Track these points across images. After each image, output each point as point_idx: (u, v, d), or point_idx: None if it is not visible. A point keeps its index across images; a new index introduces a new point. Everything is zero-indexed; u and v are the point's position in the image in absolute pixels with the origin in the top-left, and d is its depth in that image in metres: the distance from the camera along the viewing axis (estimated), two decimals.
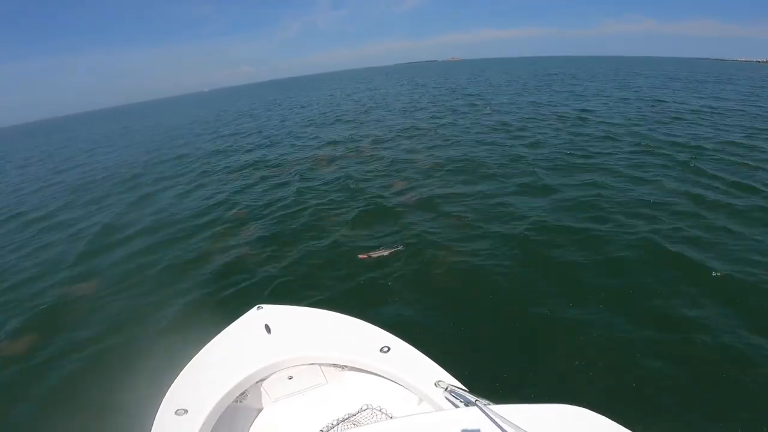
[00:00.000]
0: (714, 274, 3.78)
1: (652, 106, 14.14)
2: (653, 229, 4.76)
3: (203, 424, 1.66)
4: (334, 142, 11.61)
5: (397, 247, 4.55)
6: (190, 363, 2.01)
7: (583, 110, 13.62)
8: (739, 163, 7.18)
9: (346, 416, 2.07)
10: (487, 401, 1.37)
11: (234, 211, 6.93)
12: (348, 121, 15.88)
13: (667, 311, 3.40)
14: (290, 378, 2.14)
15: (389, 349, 1.92)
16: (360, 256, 4.51)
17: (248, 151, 12.24)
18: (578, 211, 5.46)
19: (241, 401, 2.03)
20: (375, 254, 4.48)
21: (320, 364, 2.14)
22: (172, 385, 1.87)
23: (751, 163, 7.11)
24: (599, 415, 1.18)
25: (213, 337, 2.18)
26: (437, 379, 1.71)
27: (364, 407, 2.11)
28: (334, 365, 2.14)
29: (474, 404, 1.35)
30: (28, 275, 5.59)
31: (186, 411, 1.71)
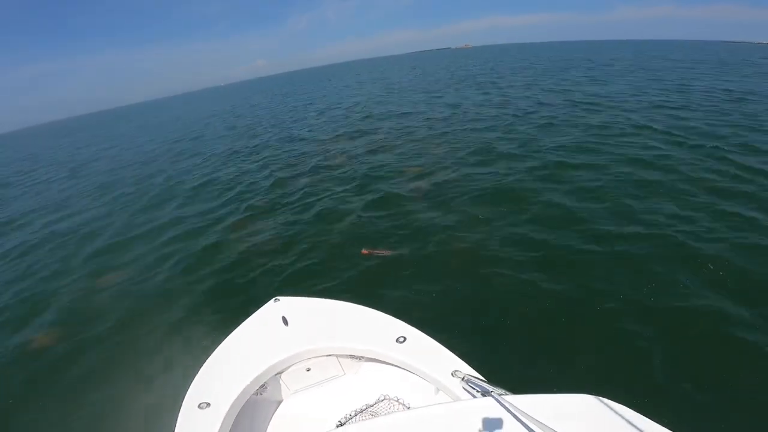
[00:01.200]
0: None
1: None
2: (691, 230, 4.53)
3: (225, 417, 1.71)
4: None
5: (398, 250, 4.48)
6: (211, 356, 2.06)
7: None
8: None
9: (364, 407, 2.09)
10: (504, 391, 1.37)
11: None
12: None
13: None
14: (308, 370, 2.16)
15: (405, 339, 1.92)
16: (363, 251, 4.56)
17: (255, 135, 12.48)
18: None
19: (261, 394, 2.07)
20: (378, 252, 4.50)
21: (337, 356, 2.15)
22: (195, 378, 1.92)
23: None
24: (621, 406, 1.15)
25: (232, 330, 2.21)
26: (454, 369, 1.70)
27: (382, 398, 2.13)
28: (351, 356, 2.16)
29: (491, 394, 1.34)
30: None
31: (209, 404, 1.75)
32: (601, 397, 1.19)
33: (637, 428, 1.08)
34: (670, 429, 1.05)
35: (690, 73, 19.27)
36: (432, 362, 1.78)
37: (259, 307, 2.36)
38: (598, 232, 4.49)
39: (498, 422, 1.18)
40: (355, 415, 2.06)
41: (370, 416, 2.04)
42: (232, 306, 4.02)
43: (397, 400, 2.10)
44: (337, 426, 2.01)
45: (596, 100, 12.39)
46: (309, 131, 13.14)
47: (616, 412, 1.14)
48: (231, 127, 18.37)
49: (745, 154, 6.62)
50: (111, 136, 28.63)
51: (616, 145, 7.60)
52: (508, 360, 2.88)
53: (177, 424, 1.68)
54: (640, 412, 1.12)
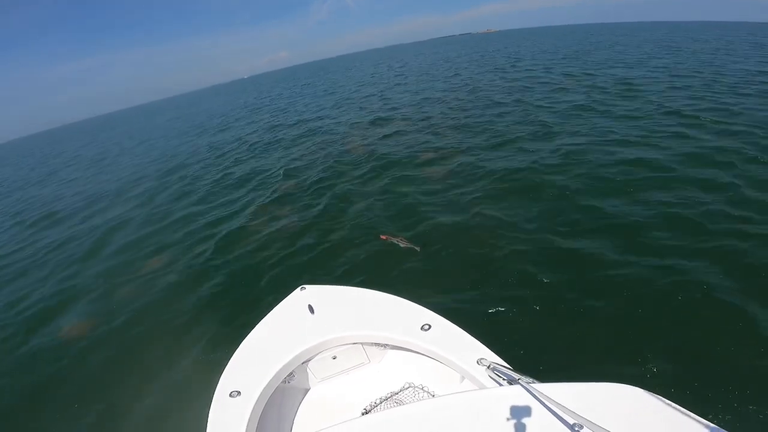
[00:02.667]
0: None
1: None
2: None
3: (255, 405, 1.76)
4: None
5: (412, 246, 4.41)
6: (241, 345, 2.12)
7: None
8: None
9: (389, 395, 2.11)
10: (531, 379, 1.34)
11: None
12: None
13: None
14: (334, 358, 2.19)
15: (430, 326, 1.91)
16: (381, 236, 4.61)
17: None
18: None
19: (288, 382, 2.12)
20: (394, 239, 4.51)
21: (363, 344, 2.17)
22: (226, 367, 1.98)
23: None
24: (652, 395, 1.12)
25: (261, 319, 2.27)
26: (479, 357, 1.69)
27: (407, 386, 2.14)
28: (376, 344, 2.17)
29: (517, 382, 1.33)
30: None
31: (239, 393, 1.81)
32: (630, 386, 1.16)
33: (668, 416, 1.06)
34: (701, 417, 1.02)
35: None
36: (457, 350, 1.77)
37: (285, 296, 2.41)
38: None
39: (526, 410, 1.17)
40: (381, 402, 2.09)
41: (396, 404, 2.06)
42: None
43: (422, 388, 2.10)
44: (363, 413, 2.04)
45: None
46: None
47: (649, 402, 1.11)
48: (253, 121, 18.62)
49: None
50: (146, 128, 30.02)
51: None
52: (535, 348, 2.86)
53: (210, 412, 1.75)
54: (671, 400, 1.08)
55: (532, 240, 4.26)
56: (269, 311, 2.32)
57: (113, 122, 63.13)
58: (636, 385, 1.15)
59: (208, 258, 5.34)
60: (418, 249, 4.32)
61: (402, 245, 4.41)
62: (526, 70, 18.45)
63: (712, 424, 1.00)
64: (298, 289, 2.44)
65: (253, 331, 2.21)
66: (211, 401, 1.81)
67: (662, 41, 27.73)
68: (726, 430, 0.97)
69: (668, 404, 1.09)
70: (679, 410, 1.06)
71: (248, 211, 6.64)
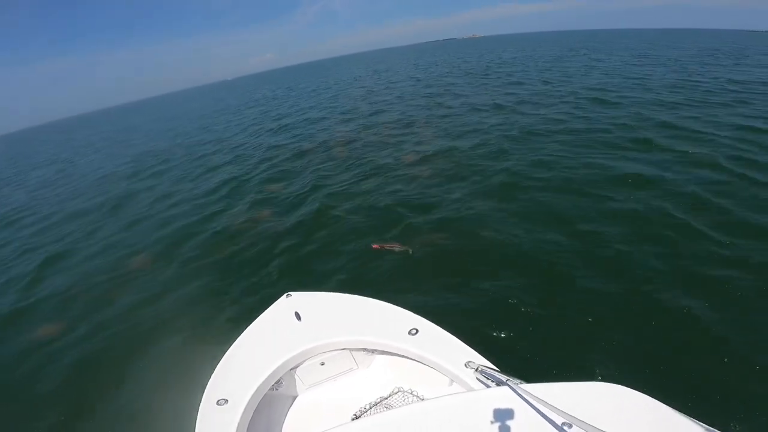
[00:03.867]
0: None
1: None
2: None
3: (243, 413, 1.74)
4: None
5: (406, 248, 4.41)
6: (227, 353, 2.08)
7: None
8: None
9: (379, 400, 2.11)
10: (519, 380, 1.36)
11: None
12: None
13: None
14: (322, 364, 2.18)
15: (418, 331, 1.92)
16: (373, 245, 4.51)
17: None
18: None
19: (276, 389, 2.10)
20: (388, 246, 4.46)
21: (350, 349, 2.17)
22: (212, 375, 1.95)
23: None
24: (639, 393, 1.14)
25: (246, 327, 2.24)
26: (467, 360, 1.70)
27: (396, 390, 2.14)
28: (364, 350, 2.17)
29: (505, 383, 1.34)
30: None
31: (226, 401, 1.78)
32: (618, 385, 1.18)
33: (656, 415, 1.07)
34: (688, 415, 1.04)
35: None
36: (445, 354, 1.78)
37: (270, 303, 2.39)
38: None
39: (514, 411, 1.18)
40: (370, 408, 2.08)
41: (385, 409, 2.06)
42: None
43: (411, 393, 2.10)
44: (353, 419, 2.03)
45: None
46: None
47: (636, 401, 1.13)
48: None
49: None
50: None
51: None
52: (521, 351, 2.89)
53: (197, 422, 1.71)
54: (659, 399, 1.10)
55: (521, 239, 4.32)
56: (254, 319, 2.29)
57: (91, 121, 61.31)
58: (623, 384, 1.17)
59: (188, 260, 5.29)
60: (411, 251, 4.32)
61: (396, 250, 4.39)
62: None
63: (698, 422, 1.02)
64: (284, 296, 2.42)
65: (238, 338, 2.18)
66: (198, 410, 1.77)
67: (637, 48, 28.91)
68: (713, 428, 0.99)
69: (655, 402, 1.10)
70: (666, 408, 1.08)
71: (229, 214, 6.60)
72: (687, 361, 2.67)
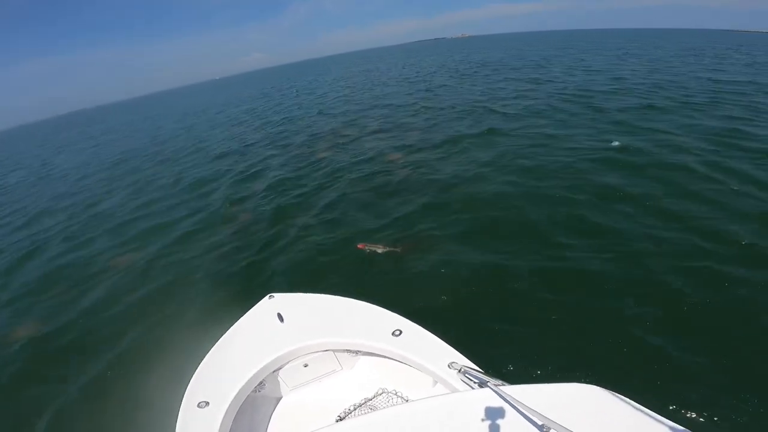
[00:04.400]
0: None
1: None
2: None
3: (225, 415, 1.71)
4: None
5: (395, 247, 4.36)
6: (208, 355, 2.05)
7: None
8: None
9: (363, 401, 2.10)
10: (500, 381, 1.37)
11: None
12: None
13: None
14: (306, 366, 2.16)
15: (401, 332, 1.92)
16: (358, 245, 4.44)
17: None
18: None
19: (259, 391, 2.07)
20: (373, 247, 4.38)
21: (334, 351, 2.15)
22: (193, 377, 1.91)
23: None
24: (616, 395, 1.16)
25: (228, 329, 2.20)
26: (451, 361, 1.70)
27: (380, 391, 2.13)
28: (348, 351, 2.15)
29: (487, 385, 1.34)
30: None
31: (207, 403, 1.75)
32: (596, 386, 1.20)
33: (632, 416, 1.09)
34: (664, 416, 1.06)
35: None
36: (428, 354, 1.78)
37: (252, 305, 2.35)
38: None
39: (495, 412, 1.19)
40: (355, 409, 2.07)
41: (370, 410, 2.05)
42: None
43: (396, 393, 2.10)
44: (337, 420, 2.02)
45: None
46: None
47: (613, 402, 1.15)
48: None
49: None
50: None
51: None
52: (504, 352, 2.88)
53: (177, 424, 1.67)
54: (635, 401, 1.12)
55: (506, 239, 4.33)
56: (236, 320, 2.26)
57: (74, 122, 60.16)
58: (599, 386, 1.18)
59: (167, 258, 5.24)
60: (398, 250, 4.28)
61: (380, 251, 4.32)
62: None
63: (671, 422, 1.03)
64: (266, 297, 2.39)
65: (220, 340, 2.14)
66: (177, 412, 1.73)
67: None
68: (686, 428, 1.01)
69: (630, 403, 1.12)
70: (640, 409, 1.10)
71: (207, 214, 6.58)
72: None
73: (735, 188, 4.89)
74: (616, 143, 6.81)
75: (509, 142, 7.72)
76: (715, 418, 2.25)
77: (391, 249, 4.33)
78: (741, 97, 9.99)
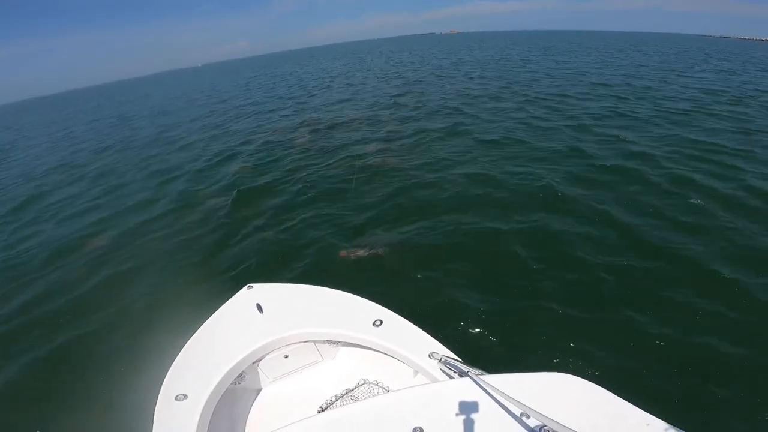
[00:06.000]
0: None
1: None
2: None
3: (204, 408, 1.67)
4: None
5: (377, 250, 4.23)
6: (185, 347, 2.00)
7: None
8: None
9: (344, 392, 2.10)
10: (480, 371, 1.38)
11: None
12: None
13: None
14: (286, 357, 2.14)
15: (382, 322, 1.91)
16: (340, 253, 4.27)
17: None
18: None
19: (239, 383, 2.04)
20: (355, 254, 4.21)
21: (315, 341, 2.13)
22: (170, 370, 1.86)
23: None
24: (590, 383, 1.19)
25: (205, 320, 2.15)
26: (431, 351, 1.71)
27: (361, 382, 2.13)
28: (329, 341, 2.14)
29: (467, 374, 1.36)
30: None
31: (186, 396, 1.71)
32: (572, 375, 1.22)
33: (605, 405, 1.12)
34: (636, 405, 1.09)
35: None
36: (409, 345, 1.78)
37: (231, 295, 2.30)
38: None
39: (475, 401, 1.20)
40: (336, 400, 2.07)
41: (351, 401, 2.05)
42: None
43: (377, 384, 2.10)
44: (319, 411, 2.01)
45: None
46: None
47: (587, 390, 1.18)
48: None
49: None
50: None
51: None
52: (484, 342, 2.95)
53: (155, 417, 1.63)
54: (608, 389, 1.16)
55: (489, 231, 4.41)
56: (214, 311, 2.20)
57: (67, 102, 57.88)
58: (575, 374, 1.22)
59: (146, 243, 5.16)
60: (381, 252, 4.17)
61: (365, 255, 4.17)
62: None
63: (642, 411, 1.06)
64: (245, 287, 2.34)
65: (197, 331, 2.09)
66: (155, 405, 1.68)
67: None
68: (656, 416, 1.03)
69: (603, 392, 1.16)
70: (614, 397, 1.13)
71: (184, 203, 6.51)
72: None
73: None
74: None
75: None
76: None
77: (373, 252, 4.20)
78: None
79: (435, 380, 1.62)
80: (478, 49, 36.65)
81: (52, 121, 26.00)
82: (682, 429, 0.97)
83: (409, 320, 1.91)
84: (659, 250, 3.87)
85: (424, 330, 1.84)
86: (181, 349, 1.98)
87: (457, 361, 1.60)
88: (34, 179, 10.03)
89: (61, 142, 15.67)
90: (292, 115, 12.57)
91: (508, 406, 1.14)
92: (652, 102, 10.45)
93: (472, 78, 16.67)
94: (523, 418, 1.11)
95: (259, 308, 2.15)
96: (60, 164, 11.24)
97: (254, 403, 2.16)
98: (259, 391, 2.22)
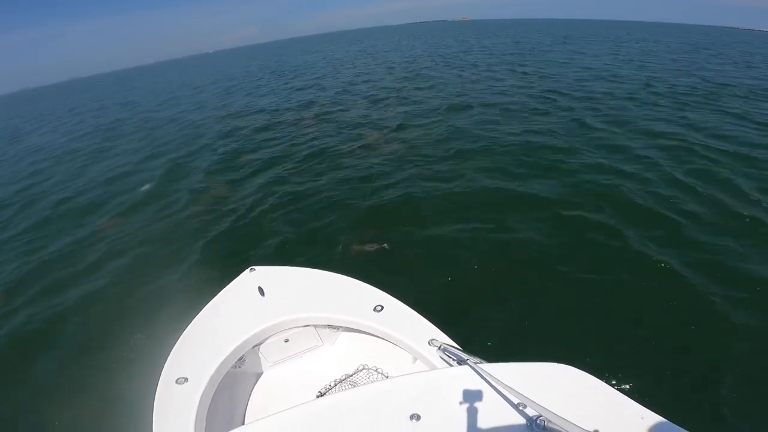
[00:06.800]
0: None
1: None
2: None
3: (204, 391, 1.67)
4: None
5: (383, 244, 4.18)
6: (186, 330, 2.00)
7: None
8: None
9: (343, 377, 2.10)
10: (479, 359, 1.37)
11: None
12: None
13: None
14: (286, 341, 2.14)
15: (383, 308, 1.90)
16: (354, 247, 4.21)
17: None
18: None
19: (239, 366, 2.04)
20: (368, 247, 4.17)
21: (315, 326, 2.13)
22: (171, 353, 1.87)
23: None
24: (587, 374, 1.19)
25: (207, 303, 2.16)
26: (431, 338, 1.70)
27: (361, 367, 2.13)
28: (329, 326, 2.13)
29: (466, 362, 1.35)
30: None
31: (186, 379, 1.71)
32: (571, 367, 1.21)
33: (601, 396, 1.12)
34: (632, 399, 1.09)
35: None
36: (409, 331, 1.77)
37: (233, 278, 2.30)
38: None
39: (474, 389, 1.19)
40: (335, 385, 2.07)
41: (350, 386, 2.05)
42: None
43: (376, 370, 2.10)
44: (318, 396, 2.02)
45: None
46: None
47: (584, 381, 1.17)
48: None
49: None
50: None
51: None
52: (485, 332, 2.94)
53: (155, 400, 1.64)
54: (605, 381, 1.16)
55: (490, 221, 4.35)
56: (216, 294, 2.20)
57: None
58: (573, 366, 1.21)
59: (152, 224, 5.21)
60: (387, 246, 4.14)
61: (372, 249, 4.15)
62: None
63: (638, 404, 1.06)
64: (247, 270, 2.33)
65: (199, 314, 2.09)
66: (155, 389, 1.69)
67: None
68: (651, 410, 1.03)
69: (600, 383, 1.15)
70: (610, 389, 1.13)
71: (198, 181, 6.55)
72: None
73: None
74: None
75: None
76: None
77: (380, 246, 4.16)
78: None
79: (434, 367, 1.61)
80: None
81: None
82: (677, 424, 0.96)
83: (409, 306, 1.89)
84: None
85: (424, 317, 1.83)
86: (182, 333, 1.99)
87: (457, 349, 1.59)
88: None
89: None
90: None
91: (506, 396, 1.14)
92: None
93: None
94: (521, 408, 1.10)
95: (261, 291, 2.14)
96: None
97: (254, 387, 2.18)
98: (259, 375, 2.24)
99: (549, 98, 9.75)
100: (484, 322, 3.01)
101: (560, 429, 0.96)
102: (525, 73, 13.76)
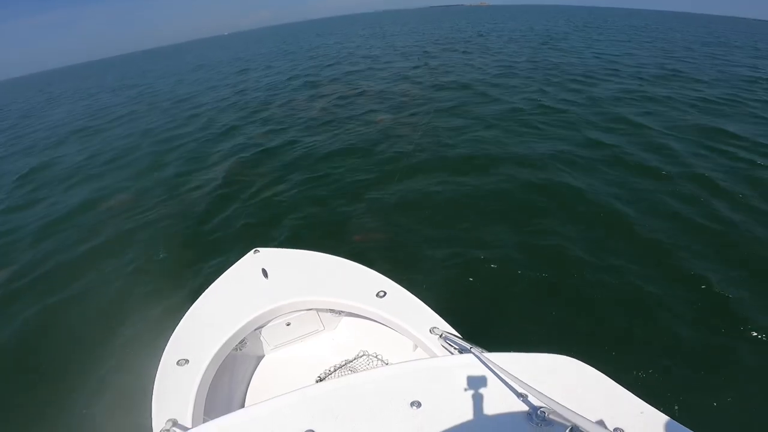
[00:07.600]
0: None
1: None
2: None
3: (204, 373, 1.67)
4: None
5: (387, 233, 4.15)
6: (189, 311, 2.00)
7: None
8: None
9: (344, 362, 2.10)
10: (481, 348, 1.35)
11: None
12: None
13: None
14: (288, 324, 2.13)
15: (386, 293, 1.87)
16: (356, 238, 4.19)
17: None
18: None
19: (240, 349, 2.04)
20: (372, 236, 4.15)
21: (317, 310, 2.12)
22: (173, 334, 1.87)
23: None
24: (589, 366, 1.17)
25: (210, 283, 2.15)
26: (432, 326, 1.68)
27: (361, 353, 2.13)
28: (331, 311, 2.12)
29: (468, 351, 1.33)
30: None
31: (187, 361, 1.71)
32: (573, 358, 1.20)
33: (602, 389, 1.11)
34: (631, 391, 1.08)
35: None
36: (411, 318, 1.75)
37: (237, 258, 2.29)
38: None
39: (475, 378, 1.18)
40: (335, 370, 2.07)
41: (350, 372, 2.05)
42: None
43: (376, 356, 2.10)
44: (317, 381, 2.02)
45: None
46: None
47: (585, 373, 1.16)
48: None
49: None
50: None
51: None
52: (487, 322, 2.93)
53: (155, 381, 1.64)
54: (605, 373, 1.15)
55: (494, 212, 4.32)
56: (219, 275, 2.19)
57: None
58: (574, 357, 1.20)
59: (154, 208, 5.23)
60: (394, 233, 4.13)
61: (378, 237, 4.13)
62: None
63: (638, 398, 1.06)
64: (252, 252, 2.31)
65: (202, 296, 2.09)
66: (156, 370, 1.69)
67: None
68: (651, 405, 1.02)
69: (602, 376, 1.14)
70: (610, 381, 1.13)
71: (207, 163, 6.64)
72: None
73: None
74: None
75: None
76: None
77: (388, 236, 4.14)
78: None
79: (434, 355, 1.60)
80: None
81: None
82: (676, 420, 0.95)
83: (412, 293, 1.87)
84: None
85: (427, 304, 1.80)
86: (184, 313, 1.99)
87: (458, 337, 1.57)
88: None
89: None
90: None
91: (509, 384, 1.13)
92: None
93: None
94: (521, 398, 1.09)
95: (265, 273, 2.13)
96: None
97: (255, 371, 2.18)
98: (260, 358, 2.24)
99: None
100: (491, 315, 2.99)
101: (562, 419, 0.94)
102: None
